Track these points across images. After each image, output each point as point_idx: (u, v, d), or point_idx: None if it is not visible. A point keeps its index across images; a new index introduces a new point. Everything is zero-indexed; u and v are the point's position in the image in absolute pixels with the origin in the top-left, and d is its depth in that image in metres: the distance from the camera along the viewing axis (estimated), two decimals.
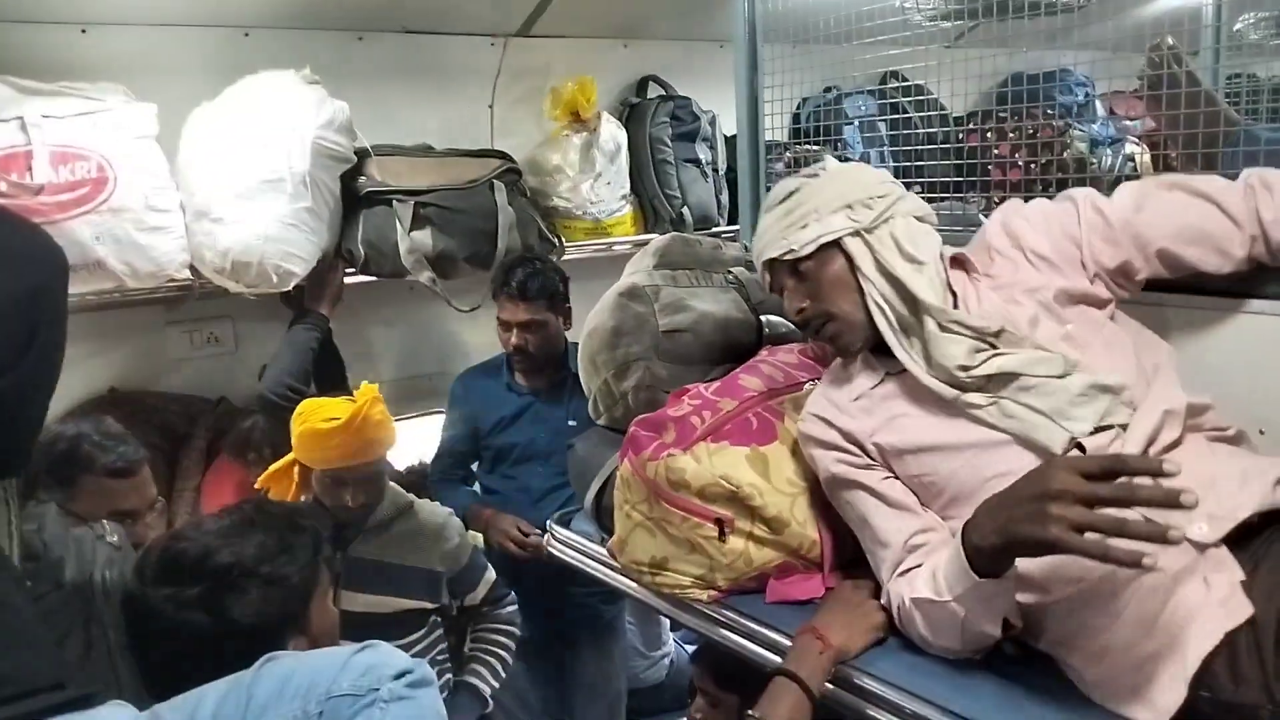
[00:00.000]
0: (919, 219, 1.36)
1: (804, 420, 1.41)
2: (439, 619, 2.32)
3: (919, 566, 1.24)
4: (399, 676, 0.91)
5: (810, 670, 1.25)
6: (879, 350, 1.35)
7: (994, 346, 1.24)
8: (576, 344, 2.02)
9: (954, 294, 1.32)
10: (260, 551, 1.21)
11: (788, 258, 1.35)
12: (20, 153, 2.06)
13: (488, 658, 2.41)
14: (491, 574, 2.43)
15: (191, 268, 2.27)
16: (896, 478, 1.31)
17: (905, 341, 1.29)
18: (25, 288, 0.98)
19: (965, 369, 1.23)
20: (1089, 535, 0.95)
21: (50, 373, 1.04)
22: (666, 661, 3.33)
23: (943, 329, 1.26)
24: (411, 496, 2.35)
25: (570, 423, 2.53)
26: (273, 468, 2.16)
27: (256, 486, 2.18)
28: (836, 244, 1.32)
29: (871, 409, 1.34)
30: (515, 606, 2.50)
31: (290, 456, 2.14)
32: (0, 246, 1.00)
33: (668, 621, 3.51)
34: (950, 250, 1.38)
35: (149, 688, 1.15)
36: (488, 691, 2.37)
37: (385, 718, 0.88)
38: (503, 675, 2.42)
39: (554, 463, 2.54)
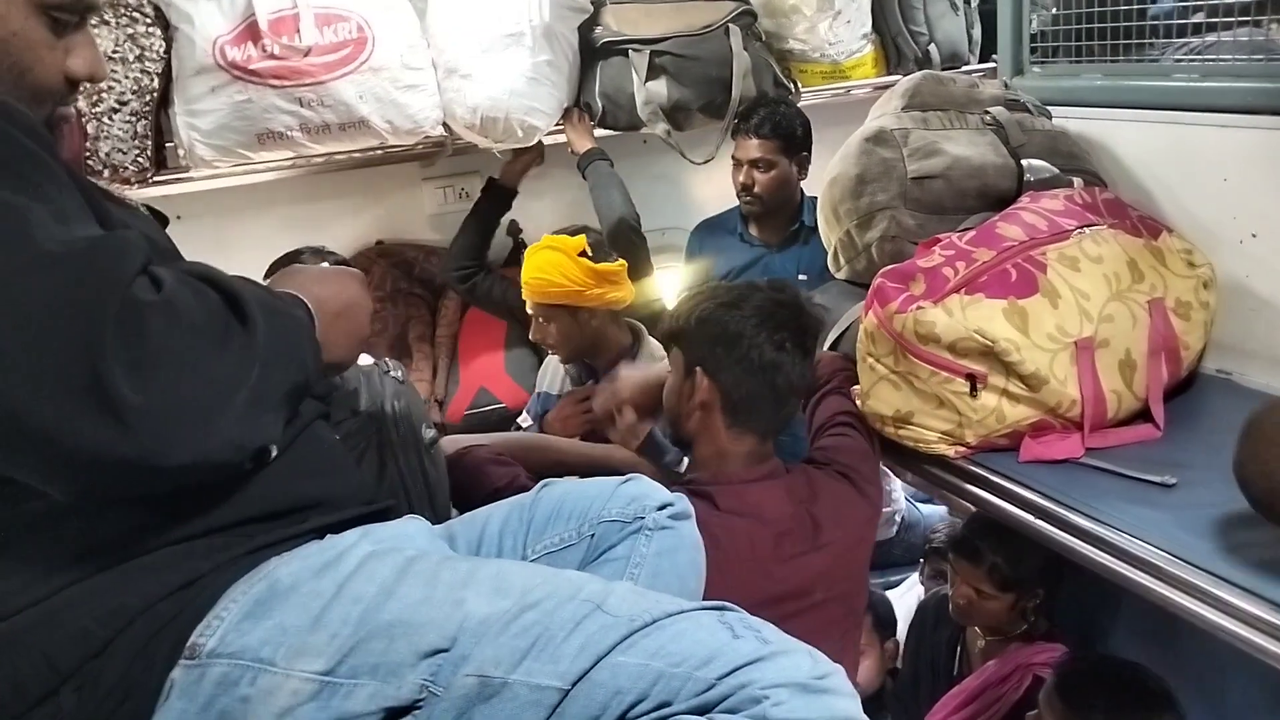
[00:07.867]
0: None
1: None
2: None
3: None
4: (662, 508, 0.97)
5: None
6: None
7: None
8: (814, 198, 1.95)
9: None
10: None
11: None
12: (288, 16, 2.15)
13: None
14: None
15: (445, 125, 2.37)
16: None
17: None
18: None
19: None
20: None
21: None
22: (897, 519, 3.33)
23: None
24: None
25: (800, 276, 2.49)
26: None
27: None
28: None
29: None
30: None
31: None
32: None
33: (897, 480, 3.49)
34: None
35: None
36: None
37: (650, 544, 0.93)
38: None
39: None
